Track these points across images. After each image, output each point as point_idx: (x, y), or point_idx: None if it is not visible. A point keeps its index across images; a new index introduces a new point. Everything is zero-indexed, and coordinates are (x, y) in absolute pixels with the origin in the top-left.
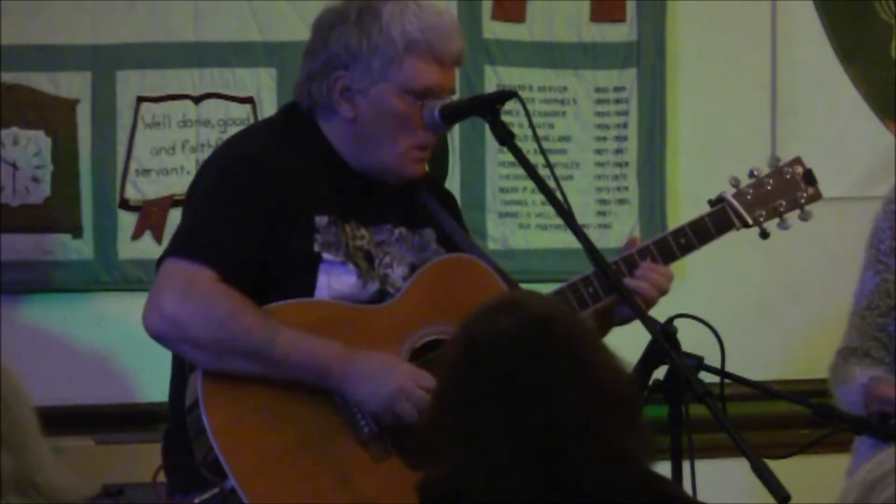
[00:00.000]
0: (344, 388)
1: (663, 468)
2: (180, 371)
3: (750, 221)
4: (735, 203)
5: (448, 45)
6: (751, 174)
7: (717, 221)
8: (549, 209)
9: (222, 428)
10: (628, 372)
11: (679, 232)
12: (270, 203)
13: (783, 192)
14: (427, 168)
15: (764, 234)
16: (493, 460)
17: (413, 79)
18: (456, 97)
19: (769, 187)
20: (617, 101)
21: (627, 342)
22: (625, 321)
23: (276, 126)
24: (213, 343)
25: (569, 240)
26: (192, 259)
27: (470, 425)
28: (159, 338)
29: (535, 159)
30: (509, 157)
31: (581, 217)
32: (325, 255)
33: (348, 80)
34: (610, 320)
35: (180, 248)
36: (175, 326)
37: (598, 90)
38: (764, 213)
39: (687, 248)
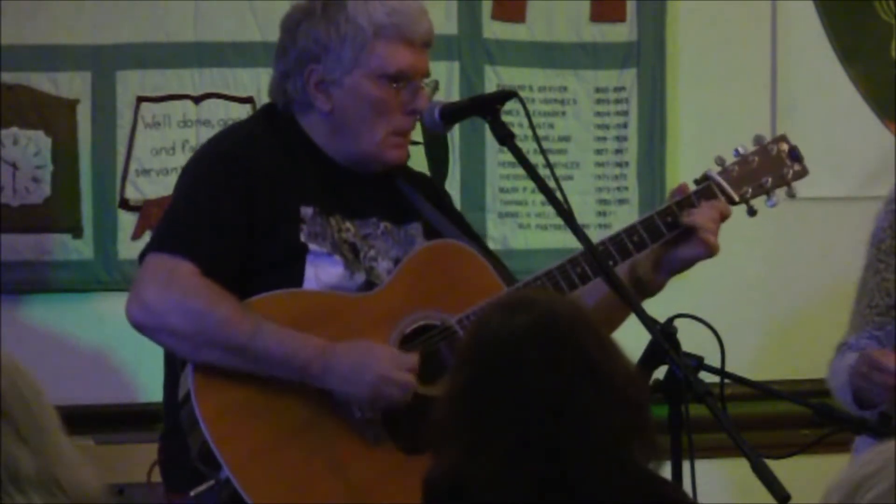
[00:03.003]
0: (325, 384)
1: (663, 468)
2: (173, 372)
3: (736, 198)
4: (720, 180)
5: (416, 26)
6: (736, 152)
7: (702, 198)
8: (549, 209)
9: (214, 417)
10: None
11: (666, 211)
12: (253, 195)
13: (769, 168)
14: (410, 155)
15: (751, 212)
16: (497, 456)
17: (385, 63)
18: (432, 79)
19: (754, 164)
20: (617, 101)
21: (627, 342)
22: (685, 264)
23: (256, 123)
24: (191, 334)
25: (569, 240)
26: (172, 253)
27: (477, 420)
28: (139, 327)
29: (535, 159)
30: (509, 157)
31: (581, 217)
32: (312, 246)
33: (322, 72)
34: (668, 267)
35: (161, 243)
36: (154, 316)
37: (598, 90)
38: (750, 189)
39: (673, 226)
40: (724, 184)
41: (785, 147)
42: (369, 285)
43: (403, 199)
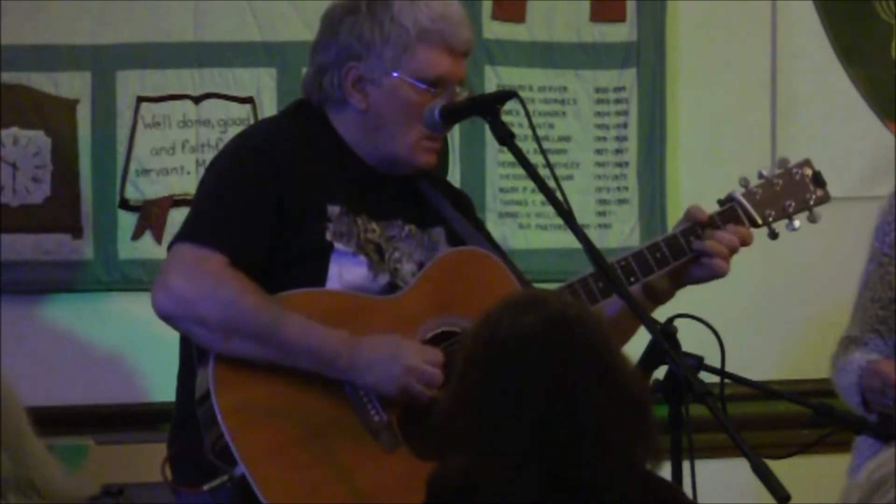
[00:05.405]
0: (351, 376)
1: (663, 468)
2: (188, 364)
3: (759, 221)
4: (744, 202)
5: (459, 33)
6: (760, 175)
7: (726, 220)
8: (549, 209)
9: (233, 413)
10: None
11: (690, 230)
12: (282, 191)
13: (792, 192)
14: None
15: (773, 235)
16: (503, 457)
17: (426, 67)
18: (466, 87)
19: (778, 188)
20: (617, 101)
21: (628, 342)
22: (696, 281)
23: (288, 119)
24: (220, 323)
25: (569, 240)
26: (200, 243)
27: (484, 420)
28: (167, 317)
29: (535, 159)
30: (509, 157)
31: (581, 217)
32: (337, 245)
33: (361, 70)
34: (680, 280)
35: (190, 233)
36: (183, 305)
37: (598, 90)
38: (773, 213)
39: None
40: (748, 206)
41: (809, 172)
42: (392, 287)
43: (427, 203)
